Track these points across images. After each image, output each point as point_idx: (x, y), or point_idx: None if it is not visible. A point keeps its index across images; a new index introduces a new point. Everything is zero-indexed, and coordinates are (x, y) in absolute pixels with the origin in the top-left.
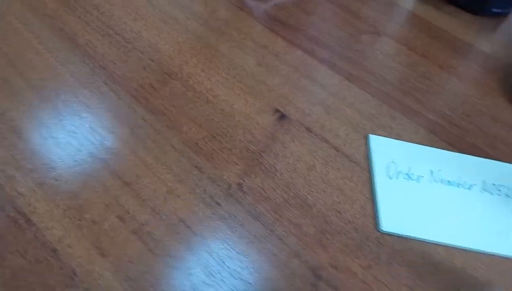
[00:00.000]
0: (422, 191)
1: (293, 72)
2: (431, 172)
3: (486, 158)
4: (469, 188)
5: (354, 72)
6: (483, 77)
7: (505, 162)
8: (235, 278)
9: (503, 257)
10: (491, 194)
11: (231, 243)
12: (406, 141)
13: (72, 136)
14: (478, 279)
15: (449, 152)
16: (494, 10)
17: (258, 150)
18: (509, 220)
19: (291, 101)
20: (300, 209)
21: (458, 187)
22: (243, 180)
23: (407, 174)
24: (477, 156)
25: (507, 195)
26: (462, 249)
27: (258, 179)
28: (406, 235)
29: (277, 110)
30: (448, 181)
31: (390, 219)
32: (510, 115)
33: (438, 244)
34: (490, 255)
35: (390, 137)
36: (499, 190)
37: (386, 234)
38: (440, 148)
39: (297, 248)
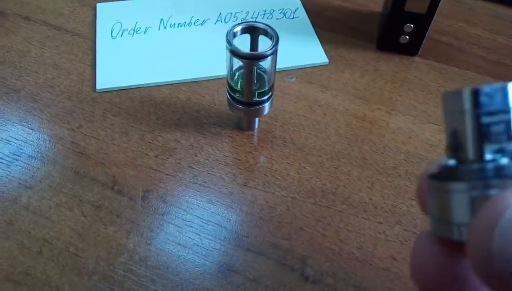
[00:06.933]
0: (149, 41)
1: None
2: (161, 20)
3: None
4: (202, 24)
5: None
6: None
7: None
8: None
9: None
10: (226, 22)
11: None
12: None
13: None
14: (202, 104)
15: None
16: None
17: None
18: None
19: None
20: (7, 96)
21: (190, 26)
22: None
23: (133, 29)
24: None
25: (243, 19)
26: (187, 82)
27: None
28: (126, 86)
29: None
30: (179, 24)
31: (107, 77)
32: None
33: (162, 85)
34: (214, 79)
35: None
36: (236, 17)
37: (104, 91)
38: None
39: None
